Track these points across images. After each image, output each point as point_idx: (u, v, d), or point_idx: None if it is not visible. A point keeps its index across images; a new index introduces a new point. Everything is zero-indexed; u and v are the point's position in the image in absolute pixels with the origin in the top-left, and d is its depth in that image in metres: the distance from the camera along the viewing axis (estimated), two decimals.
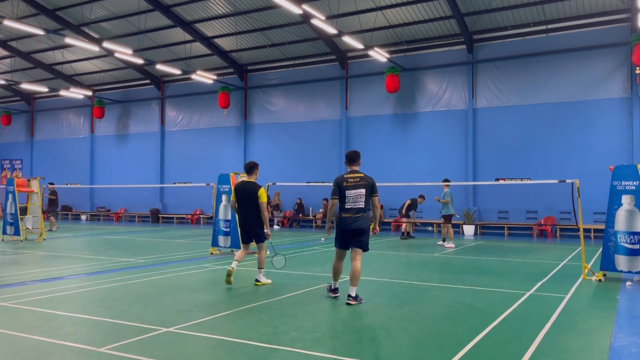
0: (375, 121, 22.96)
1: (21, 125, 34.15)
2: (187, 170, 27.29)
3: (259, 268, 8.65)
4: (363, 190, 7.05)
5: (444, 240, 15.63)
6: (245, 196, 8.41)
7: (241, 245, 8.80)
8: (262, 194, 8.38)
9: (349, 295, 7.03)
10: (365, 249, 7.21)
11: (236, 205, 8.56)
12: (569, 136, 19.34)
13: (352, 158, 7.35)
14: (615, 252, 8.88)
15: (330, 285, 7.60)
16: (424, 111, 22.03)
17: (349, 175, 7.17)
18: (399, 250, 14.52)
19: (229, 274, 8.11)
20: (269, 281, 8.66)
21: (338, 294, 7.46)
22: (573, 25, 19.42)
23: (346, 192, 7.06)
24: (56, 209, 21.80)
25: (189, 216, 26.89)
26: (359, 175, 7.14)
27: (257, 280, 8.57)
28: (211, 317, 6.33)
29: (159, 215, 27.91)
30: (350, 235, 7.12)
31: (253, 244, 8.65)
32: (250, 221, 8.42)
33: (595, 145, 18.87)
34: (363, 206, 7.06)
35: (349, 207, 7.05)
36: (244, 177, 9.00)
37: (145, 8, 22.40)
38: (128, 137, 29.96)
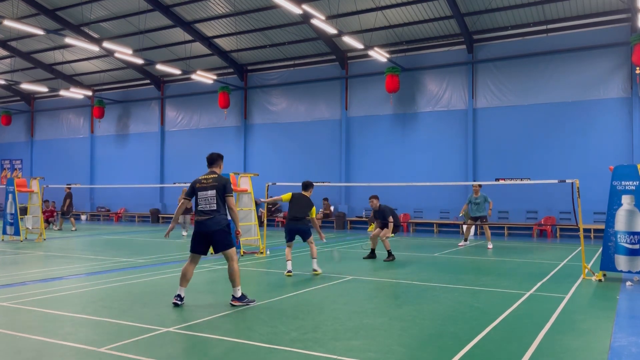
0: (375, 121, 22.94)
1: (21, 125, 34.15)
2: (187, 170, 27.22)
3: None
4: (214, 192, 6.91)
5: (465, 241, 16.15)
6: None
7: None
8: (313, 211, 10.73)
9: (233, 296, 6.93)
10: (225, 248, 6.93)
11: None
12: (569, 136, 19.33)
13: (212, 159, 7.25)
14: (615, 252, 8.88)
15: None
16: (424, 111, 22.02)
17: (203, 177, 7.09)
18: (399, 250, 14.50)
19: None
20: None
21: (181, 302, 6.86)
22: (573, 25, 19.41)
23: (199, 193, 6.98)
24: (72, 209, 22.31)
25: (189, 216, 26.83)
26: (212, 176, 7.05)
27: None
28: (211, 317, 6.33)
29: (159, 215, 27.90)
30: (203, 237, 6.95)
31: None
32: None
33: (595, 145, 18.86)
34: (215, 208, 6.90)
35: (201, 209, 6.93)
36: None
37: (145, 8, 22.39)
38: (128, 137, 29.95)
